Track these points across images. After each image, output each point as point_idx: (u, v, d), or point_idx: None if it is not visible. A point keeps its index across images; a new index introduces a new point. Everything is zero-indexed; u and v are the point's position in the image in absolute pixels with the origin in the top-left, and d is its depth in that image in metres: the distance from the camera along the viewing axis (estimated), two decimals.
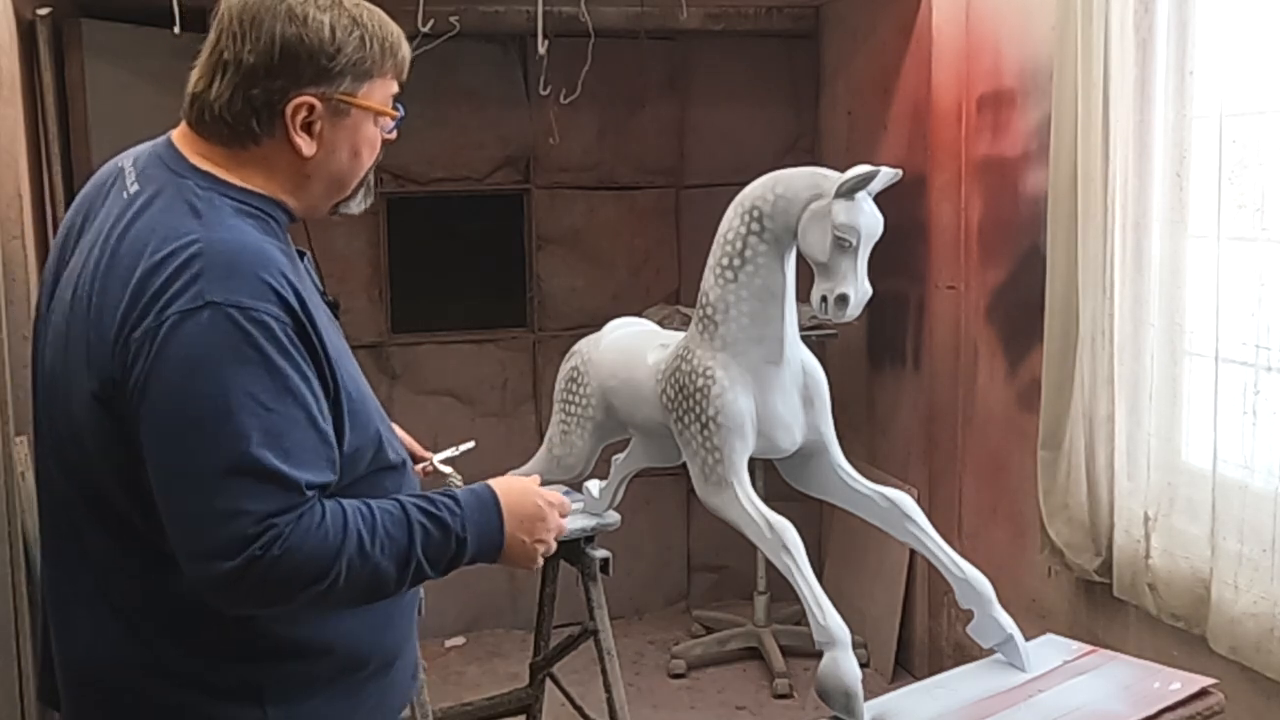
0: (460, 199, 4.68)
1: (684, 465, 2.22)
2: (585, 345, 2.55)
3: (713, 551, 4.93)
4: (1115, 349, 2.87)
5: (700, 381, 2.10)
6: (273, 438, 1.34)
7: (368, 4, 1.52)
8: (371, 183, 1.63)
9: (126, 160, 1.54)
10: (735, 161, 4.39)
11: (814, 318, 2.72)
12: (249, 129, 1.47)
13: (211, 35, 1.48)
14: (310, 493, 1.38)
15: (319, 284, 1.57)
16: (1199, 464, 2.71)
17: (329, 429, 1.43)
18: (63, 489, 1.52)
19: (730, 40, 4.76)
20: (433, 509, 1.49)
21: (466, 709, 3.30)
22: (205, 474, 1.33)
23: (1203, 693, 2.00)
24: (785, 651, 4.30)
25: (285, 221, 1.54)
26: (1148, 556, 2.80)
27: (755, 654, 4.43)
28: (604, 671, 2.96)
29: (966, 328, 3.82)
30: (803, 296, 2.06)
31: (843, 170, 1.96)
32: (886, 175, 1.95)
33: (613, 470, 2.69)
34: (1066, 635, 2.32)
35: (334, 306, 1.56)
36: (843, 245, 1.94)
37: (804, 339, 2.18)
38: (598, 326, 2.59)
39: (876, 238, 1.97)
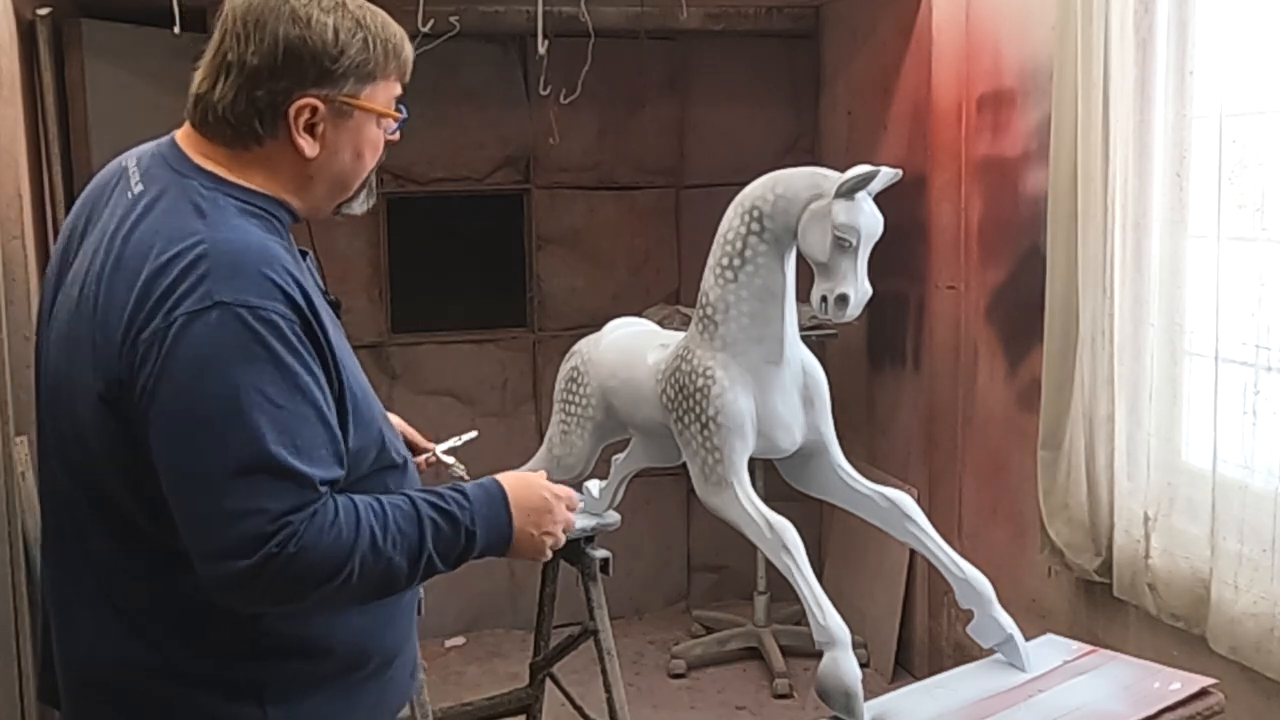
0: (460, 199, 4.68)
1: (684, 465, 2.22)
2: (585, 345, 2.55)
3: (713, 551, 4.93)
4: (1115, 349, 2.87)
5: (700, 381, 2.10)
6: (285, 435, 1.35)
7: (371, 6, 1.53)
8: (373, 184, 1.64)
9: (130, 160, 1.54)
10: (735, 161, 4.39)
11: (814, 318, 2.72)
12: (252, 130, 1.47)
13: (215, 36, 1.48)
14: (323, 489, 1.39)
15: (321, 284, 1.57)
16: (1199, 464, 2.71)
17: (337, 425, 1.43)
18: (66, 490, 1.52)
19: (730, 40, 4.76)
20: (442, 504, 1.50)
21: (466, 709, 3.30)
22: (220, 473, 1.34)
23: (1203, 693, 2.00)
24: (785, 651, 4.30)
25: (289, 221, 1.54)
26: (1148, 556, 2.80)
27: (755, 654, 4.43)
28: (604, 671, 2.96)
29: (966, 328, 3.82)
30: (803, 296, 2.06)
31: (843, 170, 1.96)
32: (886, 175, 1.95)
33: (613, 470, 2.69)
34: (1066, 635, 2.33)
35: (336, 306, 1.56)
36: (843, 245, 1.94)
37: (804, 339, 2.18)
38: (598, 326, 2.59)
39: (876, 238, 1.97)
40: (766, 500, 2.07)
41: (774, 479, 2.39)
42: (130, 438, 1.39)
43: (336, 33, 1.46)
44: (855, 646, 1.97)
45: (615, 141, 4.76)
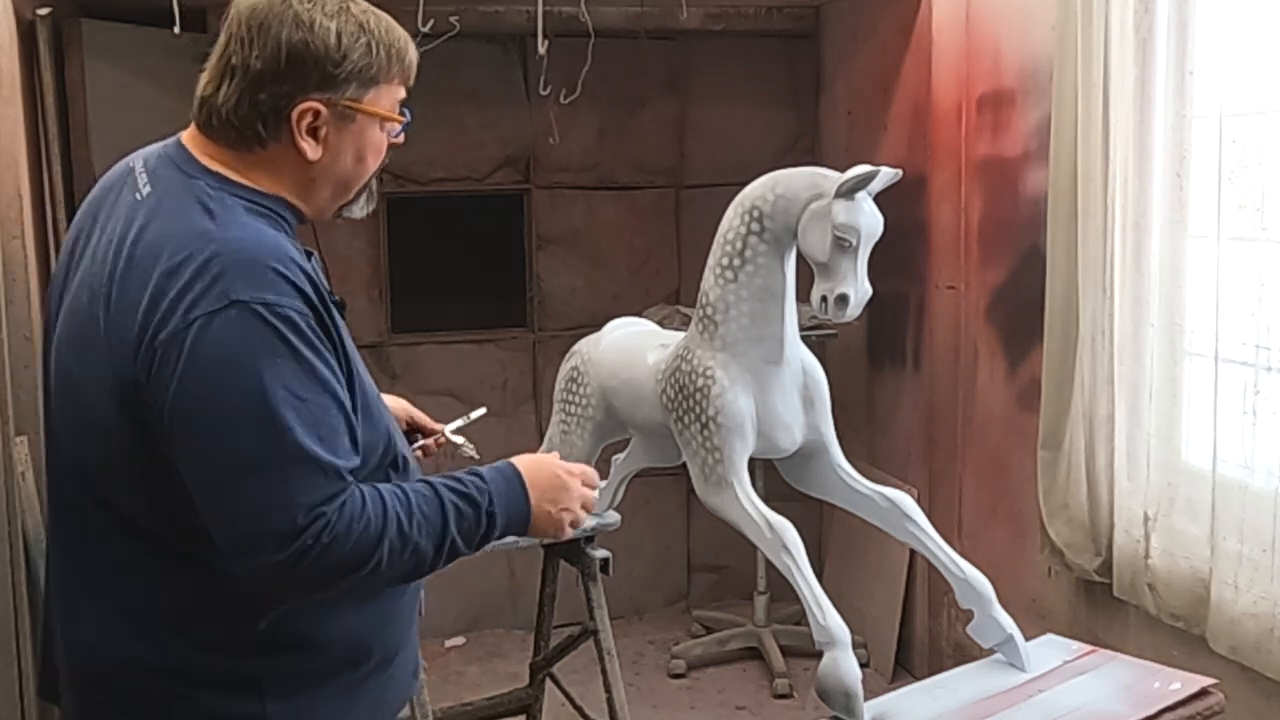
0: (460, 199, 4.68)
1: (684, 465, 2.22)
2: (585, 345, 2.55)
3: (713, 551, 4.93)
4: (1115, 349, 2.87)
5: (700, 381, 2.10)
6: (311, 427, 1.37)
7: (375, 10, 1.53)
8: (374, 188, 1.65)
9: (136, 162, 1.55)
10: (735, 161, 4.38)
11: (814, 318, 2.72)
12: (255, 133, 1.48)
13: (221, 39, 1.50)
14: (349, 478, 1.41)
15: (326, 284, 1.58)
16: (1199, 464, 2.71)
17: (353, 415, 1.46)
18: (71, 490, 1.53)
19: (730, 40, 4.76)
20: (461, 488, 1.52)
21: (466, 709, 3.30)
22: (250, 468, 1.36)
23: (1203, 693, 2.00)
24: (785, 651, 4.30)
25: (294, 221, 1.55)
26: (1148, 556, 2.80)
27: (755, 654, 4.43)
28: (604, 671, 2.96)
29: (966, 328, 3.82)
30: (803, 296, 2.07)
31: (843, 170, 1.96)
32: (886, 175, 1.95)
33: (613, 470, 2.69)
34: (1066, 635, 2.33)
35: (340, 306, 1.57)
36: (843, 245, 1.94)
37: (804, 339, 2.18)
38: (598, 326, 2.59)
39: (876, 238, 1.97)
40: (766, 500, 2.07)
41: (774, 479, 2.39)
42: (143, 438, 1.40)
43: (339, 37, 1.46)
44: (855, 646, 1.97)
45: (615, 141, 4.76)
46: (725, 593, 4.97)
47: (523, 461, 1.63)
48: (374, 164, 1.58)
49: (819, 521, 4.67)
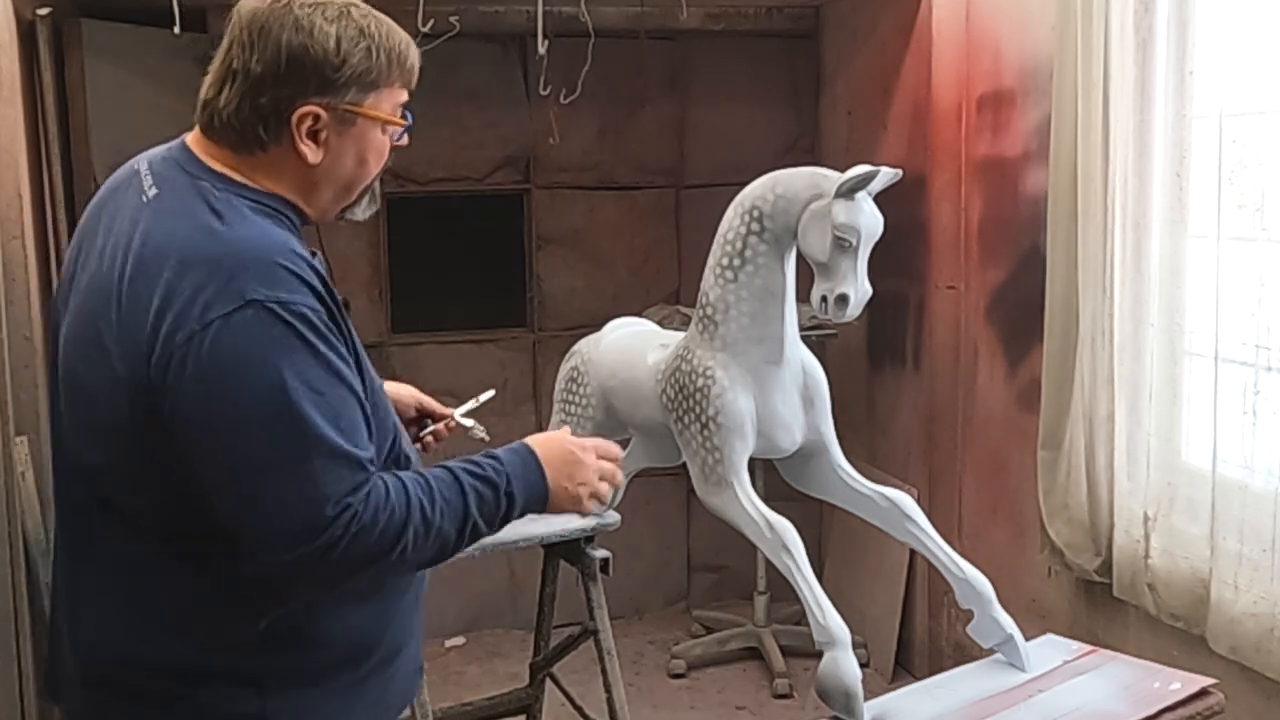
0: (460, 199, 4.68)
1: (684, 465, 2.22)
2: (585, 345, 2.55)
3: (713, 551, 4.93)
4: (1115, 349, 2.87)
5: (700, 381, 2.10)
6: (332, 420, 1.39)
7: (376, 14, 1.54)
8: (377, 190, 1.66)
9: (141, 164, 1.56)
10: (735, 161, 4.38)
11: (814, 318, 2.73)
12: (256, 136, 1.49)
13: (223, 43, 1.51)
14: (371, 468, 1.43)
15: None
16: (1199, 464, 2.71)
17: (368, 408, 1.48)
18: (77, 490, 1.54)
19: (730, 40, 4.76)
20: (479, 470, 1.55)
21: (466, 709, 3.30)
22: (279, 465, 1.37)
23: (1203, 693, 2.01)
24: (785, 651, 4.29)
25: (299, 222, 1.56)
26: (1147, 556, 2.81)
27: (755, 654, 4.43)
28: (604, 671, 2.96)
29: (966, 328, 3.82)
30: (803, 296, 2.07)
31: (843, 170, 1.96)
32: (886, 175, 1.95)
33: None
34: (1066, 635, 2.33)
35: (345, 306, 1.58)
36: (843, 245, 1.94)
37: (804, 339, 2.18)
38: (598, 326, 2.59)
39: (876, 238, 1.97)
40: (766, 500, 2.08)
41: (774, 479, 2.39)
42: (152, 438, 1.41)
43: (339, 42, 1.47)
44: (855, 646, 1.97)
45: (615, 141, 4.76)
46: (725, 593, 4.97)
47: (536, 440, 1.65)
48: (376, 166, 1.59)
49: (819, 521, 4.67)
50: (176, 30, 3.26)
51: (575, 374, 2.53)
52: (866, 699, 1.90)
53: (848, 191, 1.93)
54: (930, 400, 4.04)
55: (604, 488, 1.69)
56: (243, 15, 1.49)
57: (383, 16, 1.54)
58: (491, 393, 2.07)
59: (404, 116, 1.59)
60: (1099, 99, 2.83)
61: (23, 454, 2.97)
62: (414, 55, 1.58)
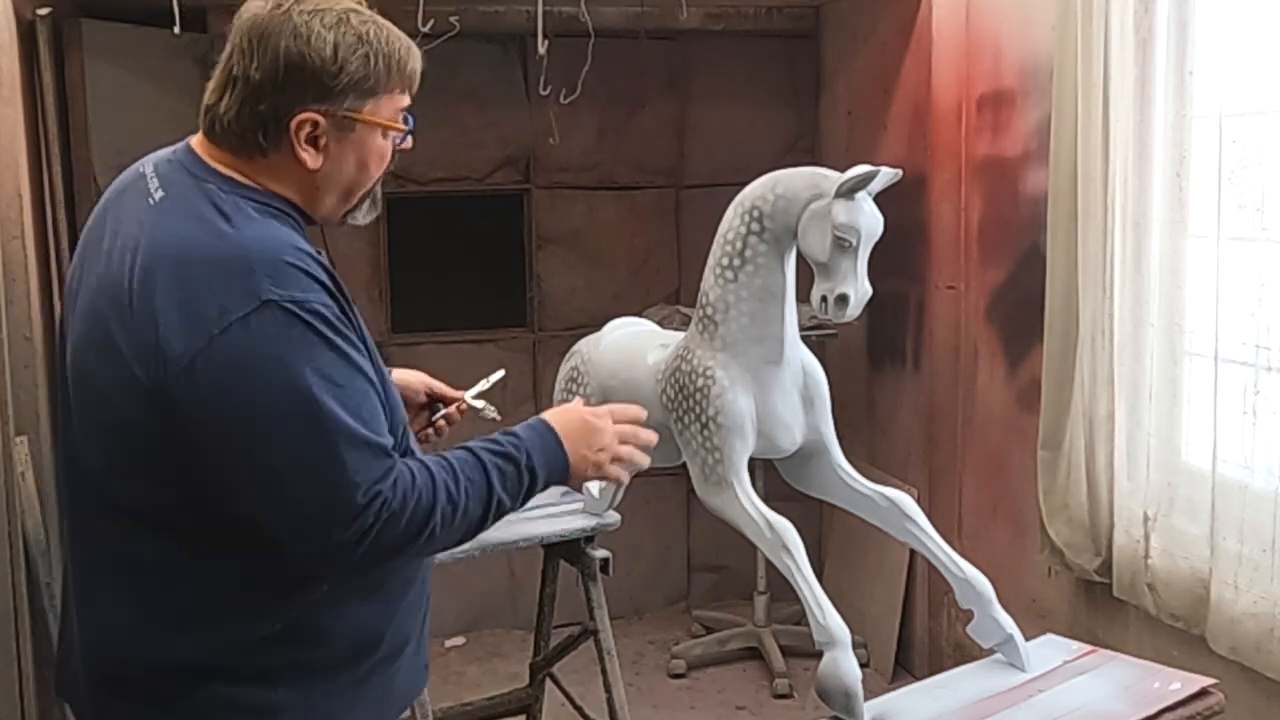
0: (460, 199, 4.68)
1: (684, 465, 2.22)
2: (585, 345, 2.55)
3: (713, 551, 4.93)
4: (1115, 349, 2.87)
5: (700, 381, 2.10)
6: (354, 411, 1.42)
7: (377, 19, 1.54)
8: (379, 195, 1.67)
9: (147, 167, 1.57)
10: (735, 161, 4.38)
11: (814, 318, 2.73)
12: (256, 142, 1.51)
13: (226, 49, 1.52)
14: (395, 454, 1.46)
15: None
16: (1199, 464, 2.71)
17: (383, 395, 1.51)
18: (86, 488, 1.54)
19: (730, 40, 4.76)
20: (499, 447, 1.58)
21: (466, 709, 3.30)
22: (307, 459, 1.40)
23: (1203, 693, 2.00)
24: (785, 651, 4.30)
25: (303, 223, 1.57)
26: (1147, 556, 2.81)
27: (755, 654, 4.43)
28: (604, 671, 2.96)
29: (966, 328, 3.82)
30: (803, 296, 2.07)
31: (843, 170, 1.96)
32: (886, 175, 1.95)
33: None
34: (1066, 635, 2.33)
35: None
36: (843, 245, 1.94)
37: (804, 339, 2.18)
38: (598, 326, 2.59)
39: (876, 238, 1.97)
40: (766, 500, 2.07)
41: (774, 479, 2.39)
42: (165, 437, 1.42)
43: (336, 49, 1.48)
44: (855, 646, 1.97)
45: (615, 141, 4.76)
46: (725, 593, 4.97)
47: (551, 414, 1.68)
48: (377, 171, 1.60)
49: (819, 521, 4.67)
50: (176, 30, 3.26)
51: (575, 374, 2.53)
52: (866, 699, 1.89)
53: (848, 191, 1.93)
54: (930, 400, 4.04)
55: (625, 450, 1.72)
56: (243, 22, 1.50)
57: (383, 22, 1.55)
58: (501, 373, 2.07)
59: (405, 121, 1.59)
60: (1099, 99, 2.83)
61: (23, 454, 2.97)
62: (415, 60, 1.58)
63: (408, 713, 2.59)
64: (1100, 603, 3.09)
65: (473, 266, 4.74)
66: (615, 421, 1.72)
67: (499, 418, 1.94)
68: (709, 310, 2.11)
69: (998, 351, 3.65)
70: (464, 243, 4.72)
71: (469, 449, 1.56)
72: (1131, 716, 1.92)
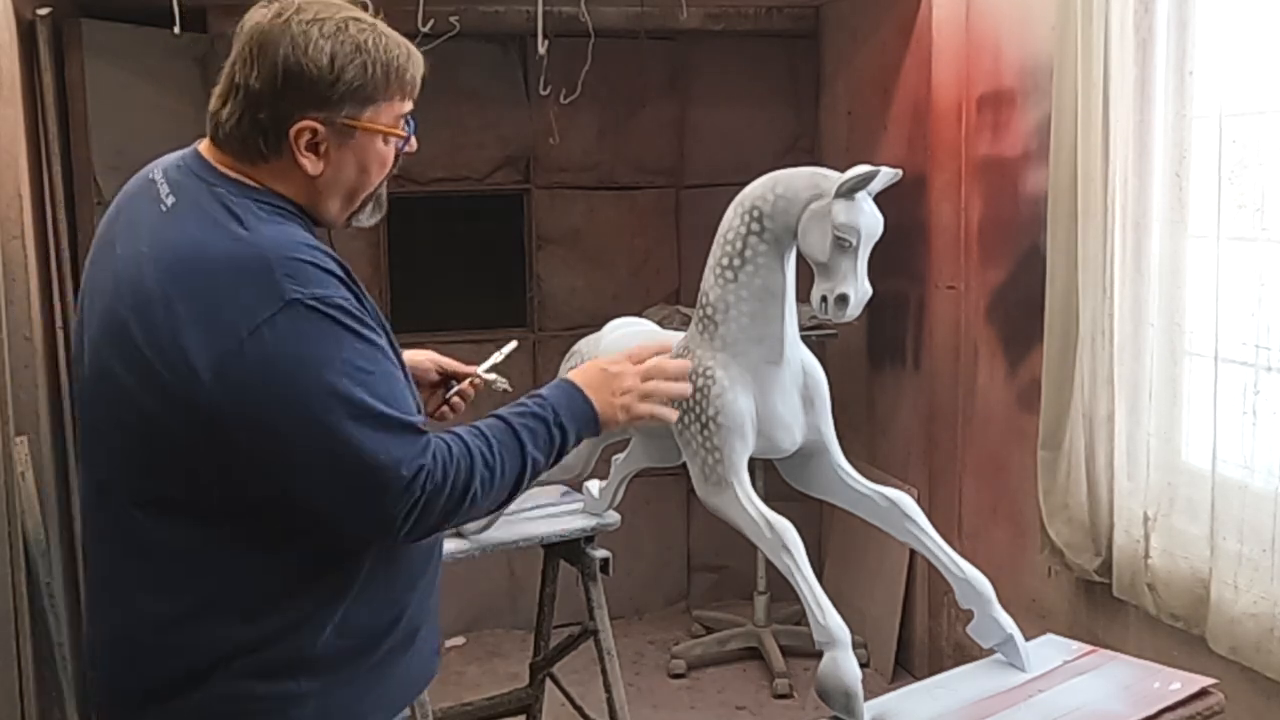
0: (460, 199, 4.68)
1: (684, 465, 2.22)
2: (585, 345, 2.55)
3: (713, 551, 4.93)
4: (1115, 349, 2.87)
5: (700, 381, 2.10)
6: (384, 395, 1.46)
7: (377, 26, 1.55)
8: (383, 197, 1.68)
9: (156, 173, 1.58)
10: (735, 161, 4.38)
11: (814, 318, 2.72)
12: (257, 148, 1.53)
13: (230, 57, 1.54)
14: (426, 429, 1.52)
15: None
16: (1199, 464, 2.71)
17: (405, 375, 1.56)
18: (107, 483, 1.55)
19: (730, 40, 4.76)
20: (525, 409, 1.64)
21: (466, 709, 3.30)
22: (348, 448, 1.43)
23: (1203, 693, 2.00)
24: (785, 651, 4.30)
25: (311, 225, 1.59)
26: (1147, 556, 2.81)
27: (755, 654, 4.43)
28: (604, 671, 2.96)
29: (966, 328, 3.82)
30: (803, 296, 2.06)
31: (843, 170, 1.96)
32: (886, 175, 1.95)
33: (613, 470, 2.69)
34: (1066, 635, 2.32)
35: None
36: (843, 245, 1.94)
37: (804, 339, 2.18)
38: (598, 326, 2.59)
39: (876, 238, 1.97)
40: (766, 500, 2.07)
41: (774, 479, 2.39)
42: (203, 440, 1.43)
43: (333, 58, 1.49)
44: (855, 646, 1.97)
45: (615, 141, 4.76)
46: (725, 593, 4.97)
47: (573, 372, 1.74)
48: (379, 175, 1.62)
49: (819, 521, 4.67)
50: (176, 30, 3.26)
51: None
52: (866, 699, 1.89)
53: (848, 191, 1.93)
54: (930, 400, 4.04)
55: (650, 385, 1.76)
56: (246, 31, 1.52)
57: (384, 29, 1.56)
58: (514, 344, 2.09)
59: (406, 126, 1.60)
60: (1099, 99, 2.83)
61: (23, 454, 2.97)
62: (415, 67, 1.59)
63: (407, 712, 2.59)
64: (1100, 603, 3.09)
65: (473, 266, 4.74)
66: (635, 362, 1.76)
67: (510, 389, 1.97)
68: (709, 310, 2.11)
69: (998, 351, 3.65)
70: (464, 243, 4.72)
71: (497, 415, 1.61)
72: (1131, 716, 1.92)
